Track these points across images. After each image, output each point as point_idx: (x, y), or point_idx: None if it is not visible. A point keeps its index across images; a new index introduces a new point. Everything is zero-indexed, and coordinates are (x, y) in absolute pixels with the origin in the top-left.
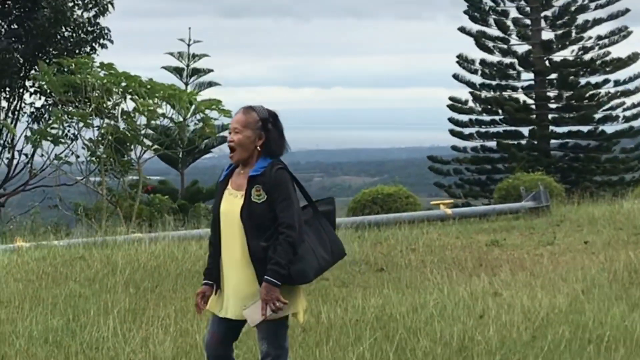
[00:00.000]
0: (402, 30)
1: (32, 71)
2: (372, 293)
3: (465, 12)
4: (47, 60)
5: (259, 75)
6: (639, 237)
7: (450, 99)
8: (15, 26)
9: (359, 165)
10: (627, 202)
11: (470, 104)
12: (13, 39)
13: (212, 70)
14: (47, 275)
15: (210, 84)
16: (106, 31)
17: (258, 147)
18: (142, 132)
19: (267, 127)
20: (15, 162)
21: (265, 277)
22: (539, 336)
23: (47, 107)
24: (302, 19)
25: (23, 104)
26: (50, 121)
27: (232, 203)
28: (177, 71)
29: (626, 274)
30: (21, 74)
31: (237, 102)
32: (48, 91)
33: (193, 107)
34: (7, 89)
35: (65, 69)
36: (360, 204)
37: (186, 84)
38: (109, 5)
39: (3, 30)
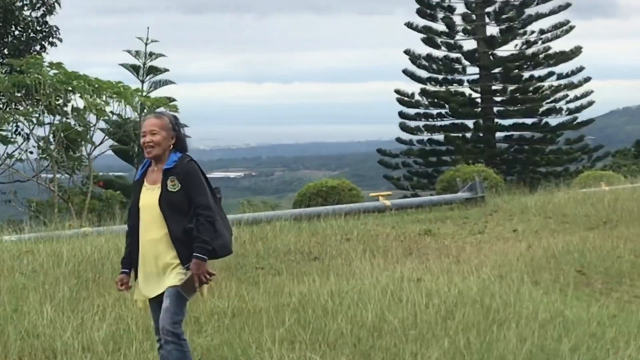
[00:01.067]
0: (361, 25)
1: None
2: (301, 280)
3: (417, 11)
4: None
5: (220, 71)
6: (566, 225)
7: (397, 92)
8: None
9: (320, 159)
10: (559, 192)
11: (417, 97)
12: None
13: (167, 70)
14: None
15: (166, 82)
16: (55, 29)
17: (171, 145)
18: (92, 129)
19: (175, 128)
20: None
21: (194, 254)
22: (449, 317)
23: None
24: (262, 15)
25: None
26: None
27: (150, 196)
28: (134, 69)
29: (544, 259)
30: None
31: (200, 97)
32: None
33: (139, 102)
34: None
35: (17, 69)
36: (306, 196)
37: (142, 82)
38: (56, 4)
39: None
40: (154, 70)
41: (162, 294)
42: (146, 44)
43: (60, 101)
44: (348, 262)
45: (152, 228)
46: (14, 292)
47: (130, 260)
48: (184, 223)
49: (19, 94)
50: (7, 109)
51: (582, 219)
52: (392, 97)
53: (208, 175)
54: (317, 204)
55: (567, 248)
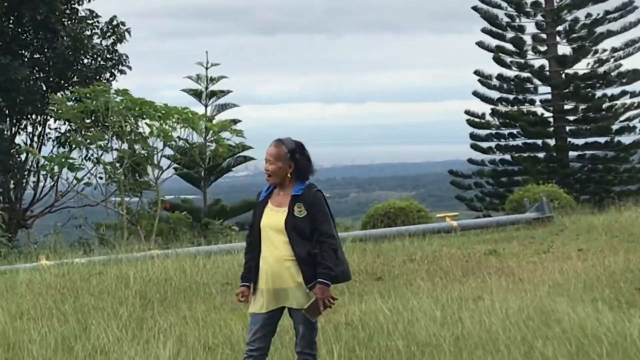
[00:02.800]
0: (437, 43)
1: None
2: (362, 300)
3: (483, 30)
4: (68, 87)
5: (292, 92)
6: (632, 244)
7: (467, 112)
8: (37, 55)
9: (395, 180)
10: (629, 211)
11: (488, 117)
12: (35, 68)
13: (230, 91)
14: (65, 290)
15: (229, 105)
16: (124, 57)
17: (289, 175)
18: (159, 154)
19: (295, 156)
20: (41, 185)
21: (319, 279)
22: (501, 334)
23: (70, 132)
24: (336, 35)
25: (48, 129)
26: (68, 149)
27: (274, 217)
28: (196, 94)
29: (603, 277)
30: (44, 101)
31: (271, 119)
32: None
33: (204, 127)
34: (32, 115)
35: (84, 97)
36: (373, 218)
37: (205, 106)
38: (126, 33)
39: (25, 59)
40: (216, 94)
41: (278, 309)
42: (207, 68)
43: (129, 127)
44: (409, 282)
45: (277, 247)
46: (82, 312)
47: (250, 275)
48: (307, 246)
49: (88, 121)
50: (77, 136)
51: None
52: (465, 116)
53: None
54: (384, 225)
55: (627, 266)
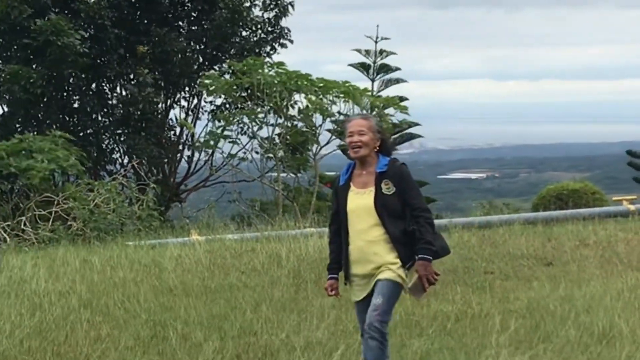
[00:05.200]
0: (621, 19)
1: (212, 71)
2: (531, 286)
3: None
4: (225, 60)
5: (463, 68)
6: None
7: None
8: (194, 27)
9: (568, 161)
10: None
11: None
12: (192, 40)
13: (399, 69)
14: (215, 266)
15: (397, 81)
16: (286, 31)
17: (376, 147)
18: (319, 129)
19: (380, 131)
20: (195, 159)
21: (420, 255)
22: None
23: (226, 105)
24: (514, 8)
25: (203, 103)
26: (224, 123)
27: (361, 199)
28: (364, 68)
29: None
30: (200, 74)
31: (439, 95)
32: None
33: (368, 102)
34: (187, 88)
35: (237, 71)
36: (545, 199)
37: (372, 81)
38: (289, 7)
39: (183, 31)
40: (385, 69)
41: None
42: (376, 42)
43: (285, 102)
44: (582, 269)
45: (369, 230)
46: (232, 290)
47: (338, 265)
48: (400, 225)
49: (244, 95)
50: (232, 110)
51: None
52: None
53: (447, 176)
54: (556, 207)
55: None
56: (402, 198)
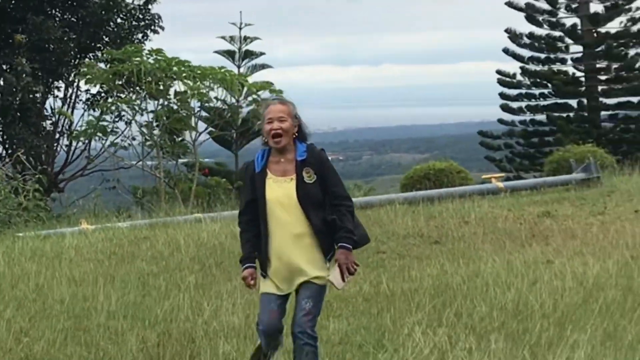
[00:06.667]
0: (452, 5)
1: (86, 59)
2: (428, 264)
3: None
4: (101, 48)
5: (307, 55)
6: None
7: (498, 72)
8: (69, 15)
9: (409, 142)
10: None
11: (519, 77)
12: (66, 29)
13: (263, 53)
14: (115, 255)
15: (263, 67)
16: (157, 17)
17: (295, 134)
18: (196, 115)
19: (297, 115)
20: (73, 147)
21: (342, 244)
22: (589, 300)
23: (102, 94)
24: None
25: (79, 91)
26: (100, 112)
27: (281, 188)
28: (229, 54)
29: None
30: (76, 62)
31: (287, 82)
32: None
33: (245, 89)
34: (63, 77)
35: (117, 59)
36: (413, 180)
37: (238, 67)
38: None
39: (57, 19)
40: (250, 55)
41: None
42: (240, 28)
43: (162, 87)
44: (472, 246)
45: (292, 222)
46: (140, 279)
47: (254, 256)
48: (321, 214)
49: (119, 82)
50: (109, 99)
51: None
52: (483, 77)
53: None
54: (426, 187)
55: None
56: (323, 186)
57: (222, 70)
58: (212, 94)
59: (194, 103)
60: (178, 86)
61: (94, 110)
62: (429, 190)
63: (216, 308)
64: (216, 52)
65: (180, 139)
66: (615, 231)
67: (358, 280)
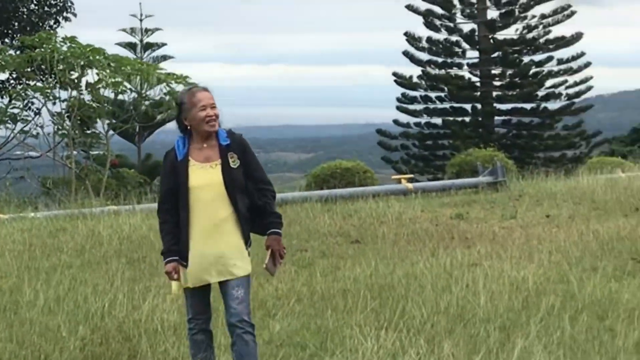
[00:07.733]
0: (348, 7)
1: None
2: (355, 263)
3: None
4: (12, 35)
5: (202, 52)
6: (599, 211)
7: (395, 74)
8: None
9: (295, 142)
10: (583, 177)
11: (415, 80)
12: None
13: (165, 44)
14: (35, 247)
15: (165, 58)
16: (69, 4)
17: None
18: (109, 105)
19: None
20: None
21: (274, 230)
22: (530, 305)
23: (11, 80)
24: None
25: None
26: (8, 99)
27: (206, 174)
28: (131, 47)
29: (597, 246)
30: None
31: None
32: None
33: (156, 80)
34: None
35: (28, 45)
36: (320, 178)
37: (141, 59)
38: None
39: None
40: (151, 46)
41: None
42: (141, 20)
43: (75, 76)
44: (394, 246)
45: (216, 208)
46: (65, 272)
47: (177, 247)
48: (245, 200)
49: (30, 69)
50: (19, 85)
51: (613, 205)
52: (372, 80)
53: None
54: (332, 185)
55: (617, 234)
56: (246, 171)
57: (138, 61)
58: (127, 85)
59: (108, 92)
60: (91, 76)
61: (2, 97)
62: (343, 189)
63: (151, 304)
64: (118, 44)
65: (90, 130)
66: (534, 236)
67: (286, 279)
